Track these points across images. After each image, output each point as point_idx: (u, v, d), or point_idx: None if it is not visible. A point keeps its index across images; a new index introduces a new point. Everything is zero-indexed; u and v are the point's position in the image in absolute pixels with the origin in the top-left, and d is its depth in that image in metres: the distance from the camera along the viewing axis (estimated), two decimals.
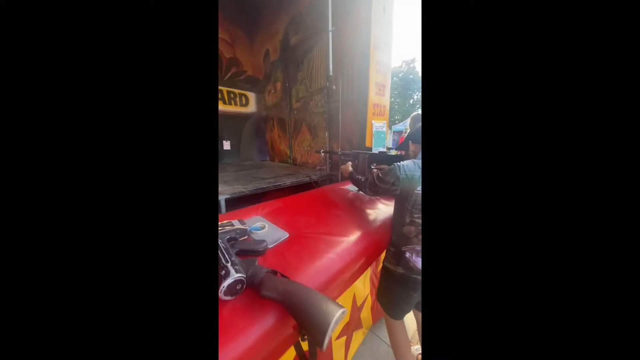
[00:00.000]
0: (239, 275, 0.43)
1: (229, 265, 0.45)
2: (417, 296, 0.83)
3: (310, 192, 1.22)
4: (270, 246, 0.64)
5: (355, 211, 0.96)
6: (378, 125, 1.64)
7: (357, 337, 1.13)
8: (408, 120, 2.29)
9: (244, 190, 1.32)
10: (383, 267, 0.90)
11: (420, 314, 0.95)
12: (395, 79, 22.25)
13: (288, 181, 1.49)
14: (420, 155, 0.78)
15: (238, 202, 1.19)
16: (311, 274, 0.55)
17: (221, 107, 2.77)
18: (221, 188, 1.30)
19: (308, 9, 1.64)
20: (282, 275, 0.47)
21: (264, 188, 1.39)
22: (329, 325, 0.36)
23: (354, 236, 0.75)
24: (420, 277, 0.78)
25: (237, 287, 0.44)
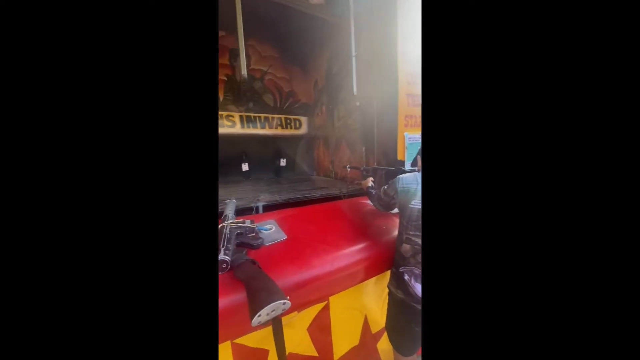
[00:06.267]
0: (223, 256, 0.58)
1: (222, 249, 0.61)
2: (420, 331, 0.72)
3: (327, 204, 1.29)
4: (267, 244, 0.77)
5: (360, 225, 0.96)
6: (413, 136, 1.53)
7: None
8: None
9: (277, 199, 1.55)
10: (388, 290, 0.84)
11: None
12: None
13: (318, 193, 1.62)
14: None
15: (273, 209, 1.42)
16: (287, 271, 0.63)
17: (280, 131, 3.35)
18: (261, 196, 1.59)
19: (345, 43, 1.85)
20: (258, 266, 0.59)
21: (295, 198, 1.58)
22: (262, 307, 0.44)
23: (346, 248, 0.77)
24: (420, 307, 0.68)
25: (223, 266, 0.59)
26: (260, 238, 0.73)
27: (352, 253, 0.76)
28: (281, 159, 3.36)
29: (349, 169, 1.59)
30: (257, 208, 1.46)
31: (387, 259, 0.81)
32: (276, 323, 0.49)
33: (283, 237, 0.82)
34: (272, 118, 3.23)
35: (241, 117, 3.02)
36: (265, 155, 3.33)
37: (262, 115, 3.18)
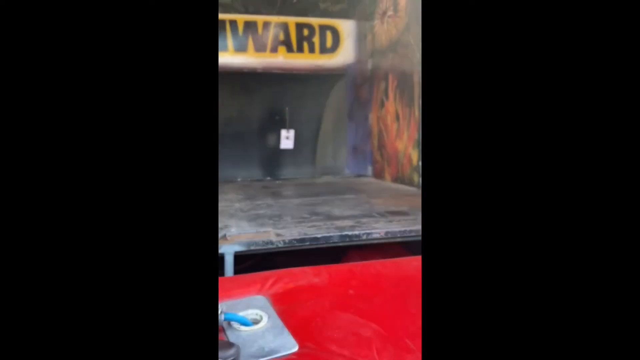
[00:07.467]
0: None
1: None
2: None
3: (400, 261, 0.58)
4: None
5: None
6: None
7: None
8: None
9: (275, 240, 0.65)
10: None
11: None
12: None
13: (382, 230, 0.69)
14: None
15: (262, 261, 0.64)
16: None
17: (285, 59, 1.41)
18: (232, 229, 0.69)
19: None
20: None
21: (317, 240, 0.68)
22: None
23: None
24: None
25: None
26: (233, 346, 0.32)
27: None
28: (283, 132, 1.45)
29: None
30: (221, 257, 0.63)
31: None
32: None
33: (290, 346, 0.35)
34: (267, 24, 1.34)
35: None
36: (250, 118, 1.42)
37: (255, 18, 1.30)
